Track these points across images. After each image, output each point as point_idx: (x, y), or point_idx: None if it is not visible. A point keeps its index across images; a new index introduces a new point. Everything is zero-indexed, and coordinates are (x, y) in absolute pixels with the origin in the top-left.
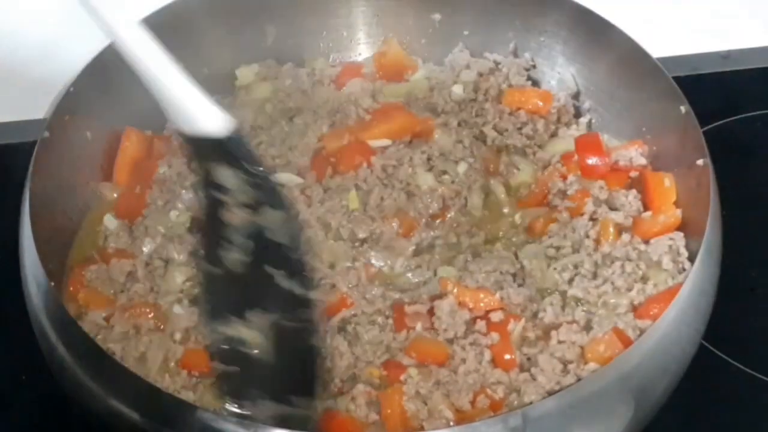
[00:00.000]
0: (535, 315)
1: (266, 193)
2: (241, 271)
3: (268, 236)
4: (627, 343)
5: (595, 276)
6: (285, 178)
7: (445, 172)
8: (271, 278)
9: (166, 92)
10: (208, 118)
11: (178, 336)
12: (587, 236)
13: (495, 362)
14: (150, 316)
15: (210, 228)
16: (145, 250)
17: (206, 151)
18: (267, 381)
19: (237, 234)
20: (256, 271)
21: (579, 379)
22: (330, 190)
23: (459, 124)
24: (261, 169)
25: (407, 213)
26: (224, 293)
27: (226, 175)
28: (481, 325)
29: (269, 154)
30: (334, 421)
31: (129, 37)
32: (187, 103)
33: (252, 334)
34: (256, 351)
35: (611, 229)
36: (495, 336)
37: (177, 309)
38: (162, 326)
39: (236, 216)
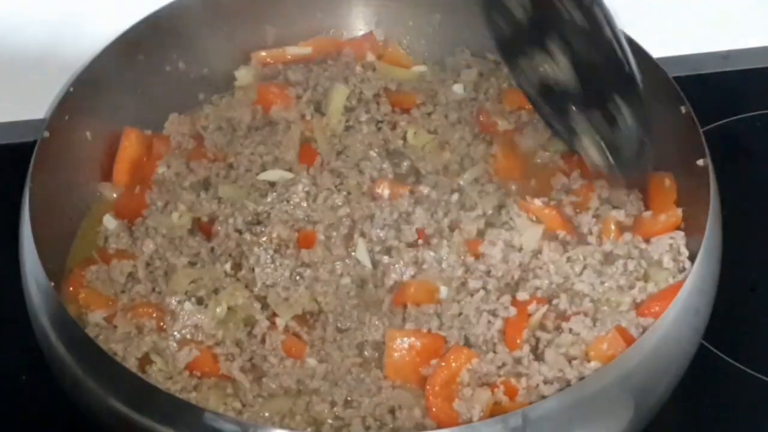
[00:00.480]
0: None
1: None
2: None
3: None
4: (630, 341)
5: (599, 273)
6: (274, 175)
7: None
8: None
9: None
10: None
11: (185, 333)
12: (591, 233)
13: (505, 337)
14: (153, 316)
15: None
16: (146, 250)
17: None
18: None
19: None
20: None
21: (580, 378)
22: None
23: (459, 121)
24: None
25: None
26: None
27: None
28: (506, 299)
29: (258, 152)
30: None
31: None
32: None
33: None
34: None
35: (613, 227)
36: (513, 310)
37: (188, 306)
38: (164, 326)
39: None
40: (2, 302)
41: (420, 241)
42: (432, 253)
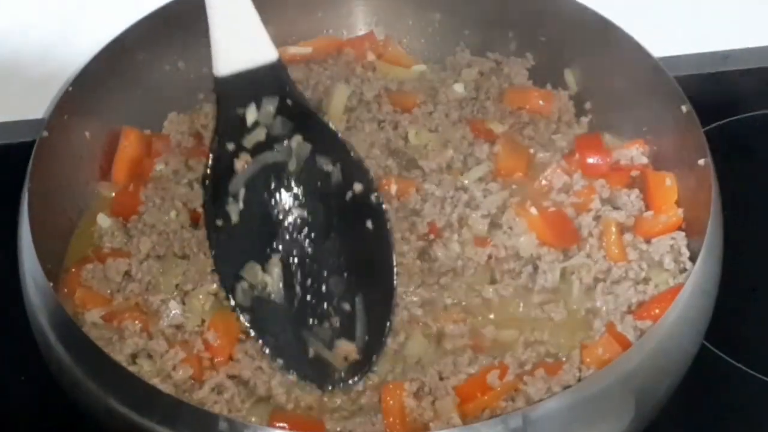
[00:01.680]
0: None
1: (303, 123)
2: (246, 221)
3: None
4: (624, 344)
5: (599, 277)
6: None
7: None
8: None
9: (225, 16)
10: (263, 45)
11: (168, 332)
12: (591, 235)
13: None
14: (137, 323)
15: (216, 185)
16: (142, 248)
17: (244, 87)
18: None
19: (240, 184)
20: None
21: (580, 380)
22: None
23: (460, 120)
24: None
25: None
26: (236, 242)
27: (265, 107)
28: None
29: None
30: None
31: None
32: (245, 29)
33: (269, 277)
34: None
35: (613, 228)
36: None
37: (173, 305)
38: (150, 330)
39: (242, 162)
40: (1, 302)
41: (431, 236)
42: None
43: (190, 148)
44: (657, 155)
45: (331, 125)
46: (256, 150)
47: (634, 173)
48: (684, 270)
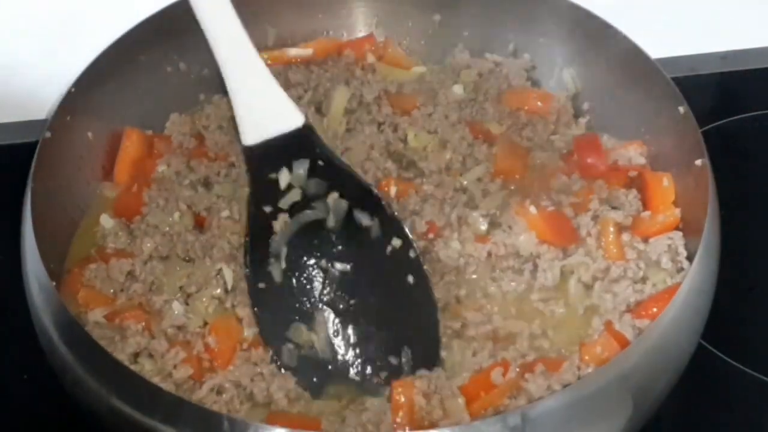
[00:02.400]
0: None
1: (337, 180)
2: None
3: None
4: (623, 343)
5: (597, 276)
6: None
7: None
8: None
9: (246, 89)
10: (288, 111)
11: (170, 333)
12: (589, 234)
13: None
14: (141, 322)
15: (256, 247)
16: (145, 249)
17: (274, 153)
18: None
19: (282, 243)
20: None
21: (579, 378)
22: None
23: (459, 121)
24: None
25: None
26: (280, 303)
27: (297, 170)
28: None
29: None
30: None
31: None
32: (268, 99)
33: (315, 336)
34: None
35: (611, 228)
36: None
37: (176, 306)
38: (154, 331)
39: (280, 222)
40: (4, 301)
41: (431, 235)
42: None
43: (191, 149)
44: (655, 156)
45: (365, 182)
46: (294, 210)
47: (632, 173)
48: (681, 269)
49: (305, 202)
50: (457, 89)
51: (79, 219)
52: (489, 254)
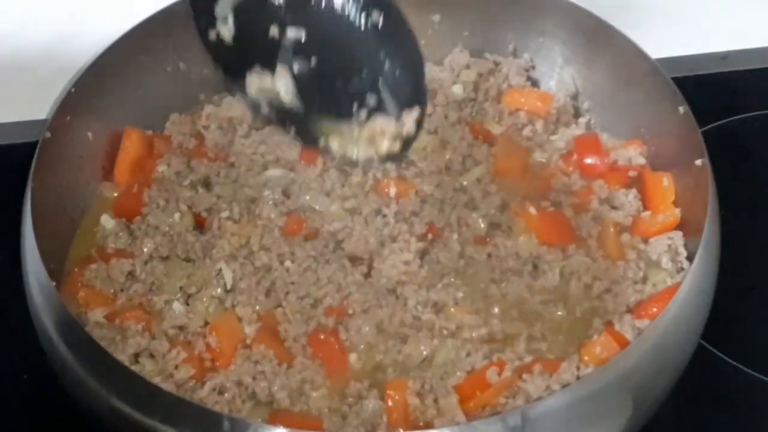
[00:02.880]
0: None
1: None
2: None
3: None
4: (622, 343)
5: (598, 276)
6: (276, 174)
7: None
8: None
9: None
10: None
11: (170, 333)
12: (589, 235)
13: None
14: (142, 322)
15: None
16: (146, 249)
17: None
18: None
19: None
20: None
21: (578, 379)
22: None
23: (459, 121)
24: None
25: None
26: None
27: None
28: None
29: (260, 152)
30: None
31: None
32: None
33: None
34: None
35: (611, 228)
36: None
37: (176, 306)
38: (154, 331)
39: None
40: (4, 301)
41: (430, 236)
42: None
43: (191, 149)
44: (655, 155)
45: None
46: None
47: (632, 173)
48: (681, 269)
49: None
50: (457, 89)
51: (80, 219)
52: (488, 256)
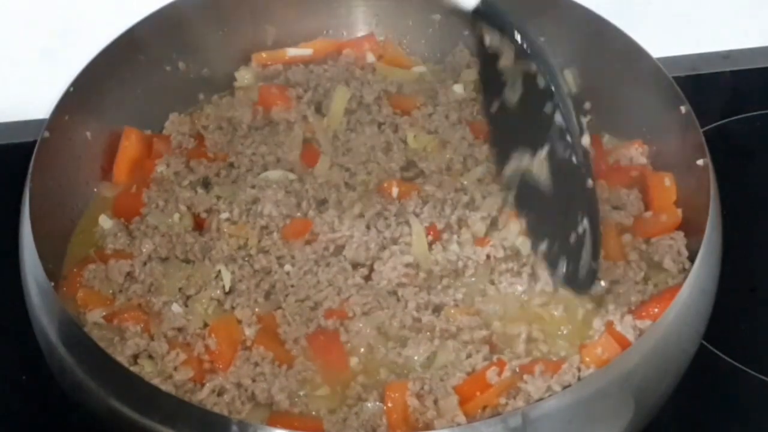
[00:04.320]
0: None
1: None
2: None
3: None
4: (623, 344)
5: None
6: (276, 175)
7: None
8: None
9: None
10: None
11: (169, 334)
12: None
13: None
14: (140, 323)
15: (487, 82)
16: (144, 250)
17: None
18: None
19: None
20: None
21: (579, 379)
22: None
23: (459, 121)
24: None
25: None
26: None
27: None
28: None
29: (260, 152)
30: None
31: None
32: None
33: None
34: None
35: (613, 229)
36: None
37: (175, 307)
38: (153, 333)
39: (508, 59)
40: (2, 302)
41: (430, 237)
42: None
43: (190, 150)
44: (656, 155)
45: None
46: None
47: (634, 173)
48: (683, 270)
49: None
50: (457, 89)
51: (78, 219)
52: (488, 256)
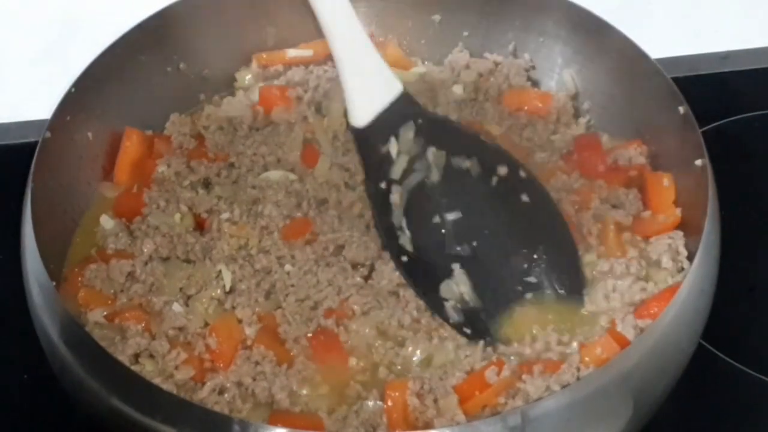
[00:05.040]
0: None
1: (431, 133)
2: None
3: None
4: (623, 343)
5: (598, 277)
6: (276, 175)
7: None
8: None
9: (354, 65)
10: (390, 80)
11: (170, 334)
12: (590, 234)
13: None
14: (141, 323)
15: (384, 226)
16: (146, 250)
17: (382, 126)
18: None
19: (400, 215)
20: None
21: (578, 379)
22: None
23: (459, 121)
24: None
25: None
26: (424, 270)
27: (404, 135)
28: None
29: (260, 153)
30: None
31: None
32: (373, 72)
33: (463, 287)
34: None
35: (612, 227)
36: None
37: (176, 307)
38: (154, 332)
39: (396, 195)
40: (3, 301)
41: None
42: None
43: (191, 150)
44: (655, 155)
45: (455, 122)
46: (403, 178)
47: (632, 173)
48: (682, 269)
49: (409, 166)
50: (457, 89)
51: (79, 219)
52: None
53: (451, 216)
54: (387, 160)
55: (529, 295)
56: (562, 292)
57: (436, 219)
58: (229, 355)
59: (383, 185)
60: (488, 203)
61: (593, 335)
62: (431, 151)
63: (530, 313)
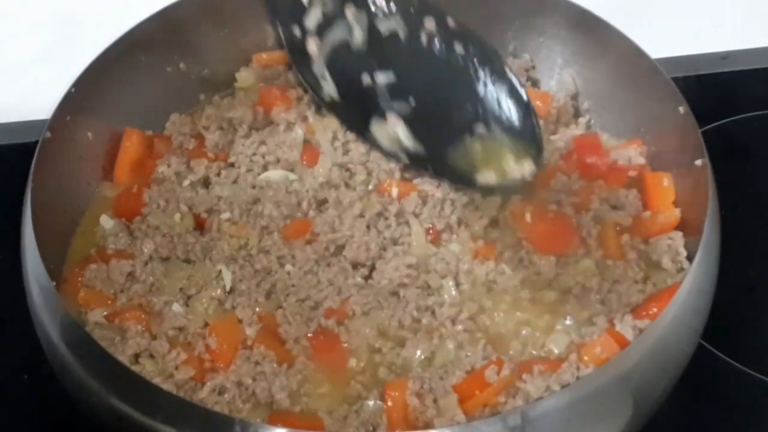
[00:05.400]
0: None
1: None
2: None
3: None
4: (623, 344)
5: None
6: (276, 175)
7: None
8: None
9: None
10: None
11: (170, 334)
12: (590, 235)
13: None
14: (141, 323)
15: (303, 73)
16: (146, 250)
17: None
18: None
19: (322, 66)
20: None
21: (578, 379)
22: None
23: None
24: None
25: None
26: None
27: None
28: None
29: (260, 152)
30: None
31: None
32: None
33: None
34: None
35: (612, 228)
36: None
37: (176, 307)
38: (154, 332)
39: (312, 45)
40: (3, 301)
41: (430, 238)
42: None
43: (191, 150)
44: (655, 156)
45: None
46: (321, 31)
47: (632, 173)
48: (681, 269)
49: (328, 21)
50: None
51: (79, 219)
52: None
53: (383, 79)
54: (298, 4)
55: (480, 129)
56: (513, 123)
57: (366, 79)
58: (229, 355)
59: (297, 32)
60: (422, 62)
61: (590, 335)
62: (350, 11)
63: (483, 145)
